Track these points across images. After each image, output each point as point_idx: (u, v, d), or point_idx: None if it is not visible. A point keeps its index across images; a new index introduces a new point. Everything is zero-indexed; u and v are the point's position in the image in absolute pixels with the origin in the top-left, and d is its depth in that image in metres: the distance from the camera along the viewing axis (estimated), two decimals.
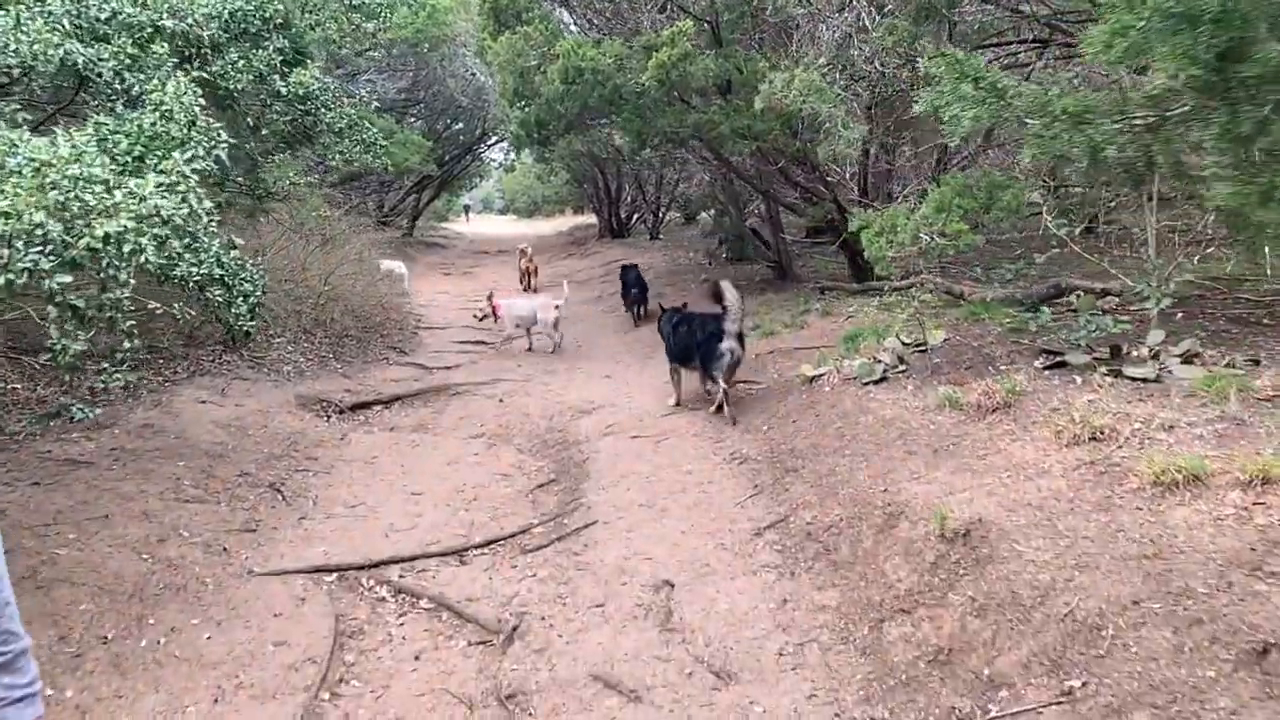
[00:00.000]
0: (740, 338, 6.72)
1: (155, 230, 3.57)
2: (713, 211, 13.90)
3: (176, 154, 3.66)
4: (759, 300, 10.36)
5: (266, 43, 6.72)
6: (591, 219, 27.89)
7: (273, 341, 8.80)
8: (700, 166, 13.22)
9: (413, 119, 23.64)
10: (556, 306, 10.34)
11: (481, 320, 10.46)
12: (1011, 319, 6.65)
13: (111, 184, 3.57)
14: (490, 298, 10.36)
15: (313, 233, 12.29)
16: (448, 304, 14.46)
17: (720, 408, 6.65)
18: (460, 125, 25.86)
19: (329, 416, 7.55)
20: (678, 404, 7.22)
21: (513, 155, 31.35)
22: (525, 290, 16.63)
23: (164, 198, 3.45)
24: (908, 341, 6.34)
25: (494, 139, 26.84)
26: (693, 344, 6.93)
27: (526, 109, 13.59)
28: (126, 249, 3.23)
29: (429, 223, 34.20)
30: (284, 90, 6.61)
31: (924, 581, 3.54)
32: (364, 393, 8.22)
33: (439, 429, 7.31)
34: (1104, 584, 3.09)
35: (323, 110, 7.10)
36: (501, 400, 7.92)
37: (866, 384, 5.85)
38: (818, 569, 4.02)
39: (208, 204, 3.68)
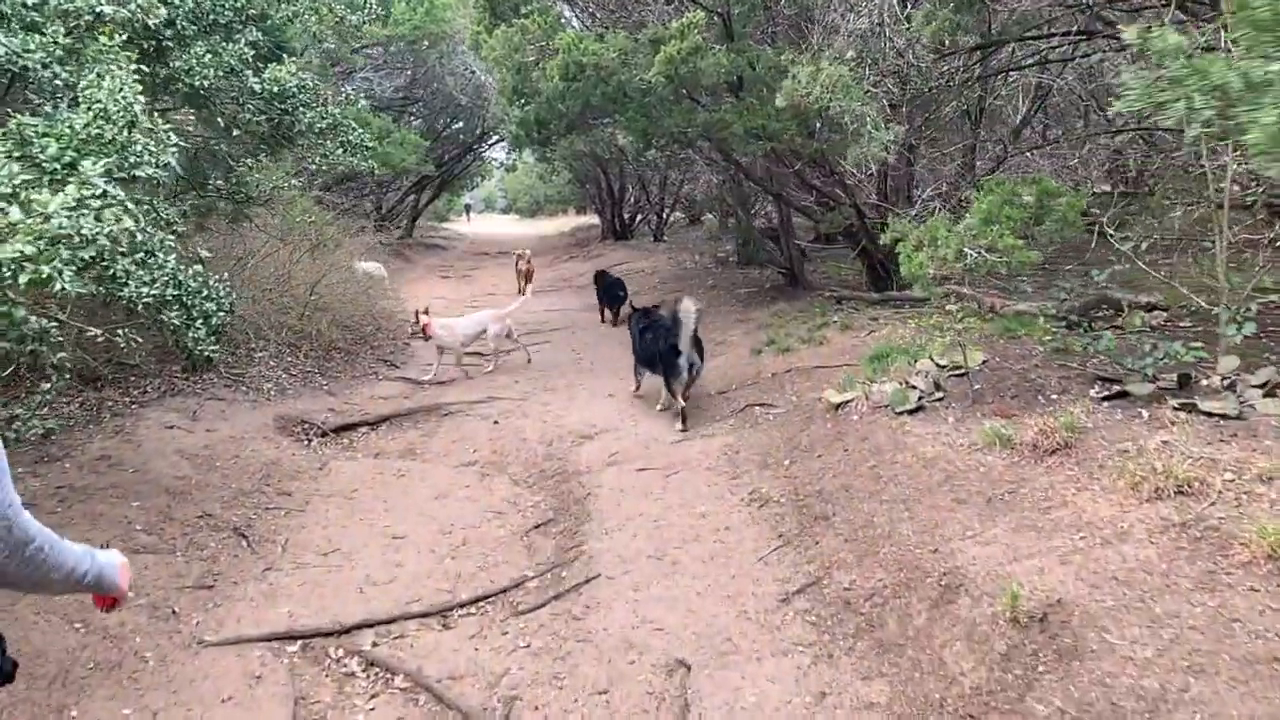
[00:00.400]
0: (698, 346, 7.01)
1: (75, 253, 2.97)
2: (716, 215, 13.21)
3: (87, 163, 3.04)
4: (770, 310, 9.74)
5: (239, 35, 6.11)
6: (594, 219, 27.25)
7: (254, 357, 8.21)
8: (707, 168, 12.60)
9: (412, 118, 23.05)
10: (505, 316, 9.63)
11: (412, 336, 9.67)
12: (1052, 336, 6.05)
13: (22, 198, 2.97)
14: (418, 314, 9.05)
15: (301, 238, 11.69)
16: (444, 310, 13.84)
17: (682, 418, 6.80)
18: (461, 124, 25.27)
19: (310, 441, 6.95)
20: (684, 428, 6.62)
21: (514, 155, 30.76)
22: (521, 294, 16.16)
23: (82, 216, 2.85)
24: (943, 364, 5.73)
25: (495, 138, 26.23)
26: (656, 352, 7.15)
27: (526, 108, 13.00)
28: (24, 279, 2.64)
29: (429, 223, 33.63)
30: (258, 87, 6.00)
31: (995, 678, 2.92)
32: (349, 413, 7.62)
33: (428, 455, 6.70)
34: (1231, 698, 2.48)
35: (301, 110, 6.48)
36: (496, 422, 7.31)
37: (900, 414, 5.23)
38: (860, 650, 3.40)
39: (129, 222, 3.07)
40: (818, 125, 8.14)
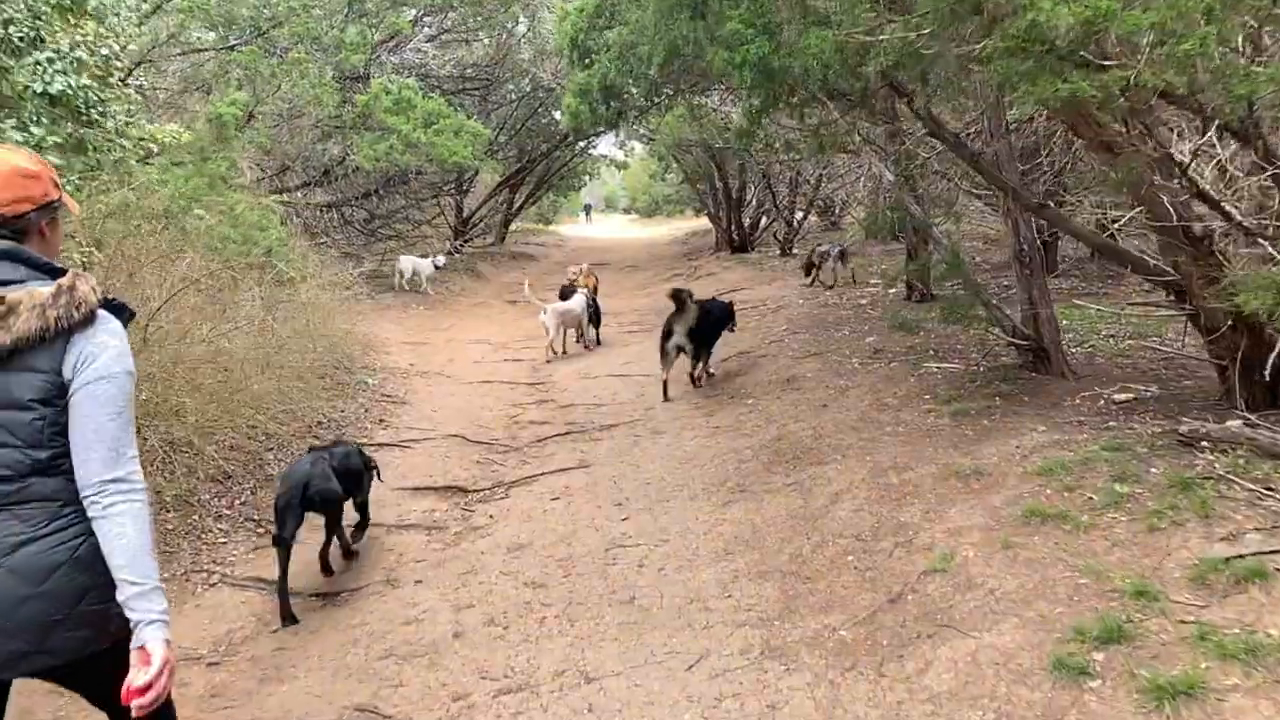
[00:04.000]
0: (690, 334, 7.17)
1: None
2: (880, 234, 7.82)
3: None
4: (1018, 448, 4.45)
5: None
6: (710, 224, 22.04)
7: None
8: (872, 154, 7.36)
9: (493, 105, 18.65)
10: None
11: None
12: None
13: None
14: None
15: (242, 269, 7.31)
16: (476, 365, 9.20)
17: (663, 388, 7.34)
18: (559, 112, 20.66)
19: None
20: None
21: (622, 147, 26.06)
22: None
23: None
24: None
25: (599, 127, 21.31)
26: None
27: (590, 69, 8.51)
28: None
29: (529, 226, 29.41)
30: None
31: None
32: None
33: None
34: None
35: None
36: None
37: None
38: None
39: None
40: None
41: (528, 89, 18.33)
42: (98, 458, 1.67)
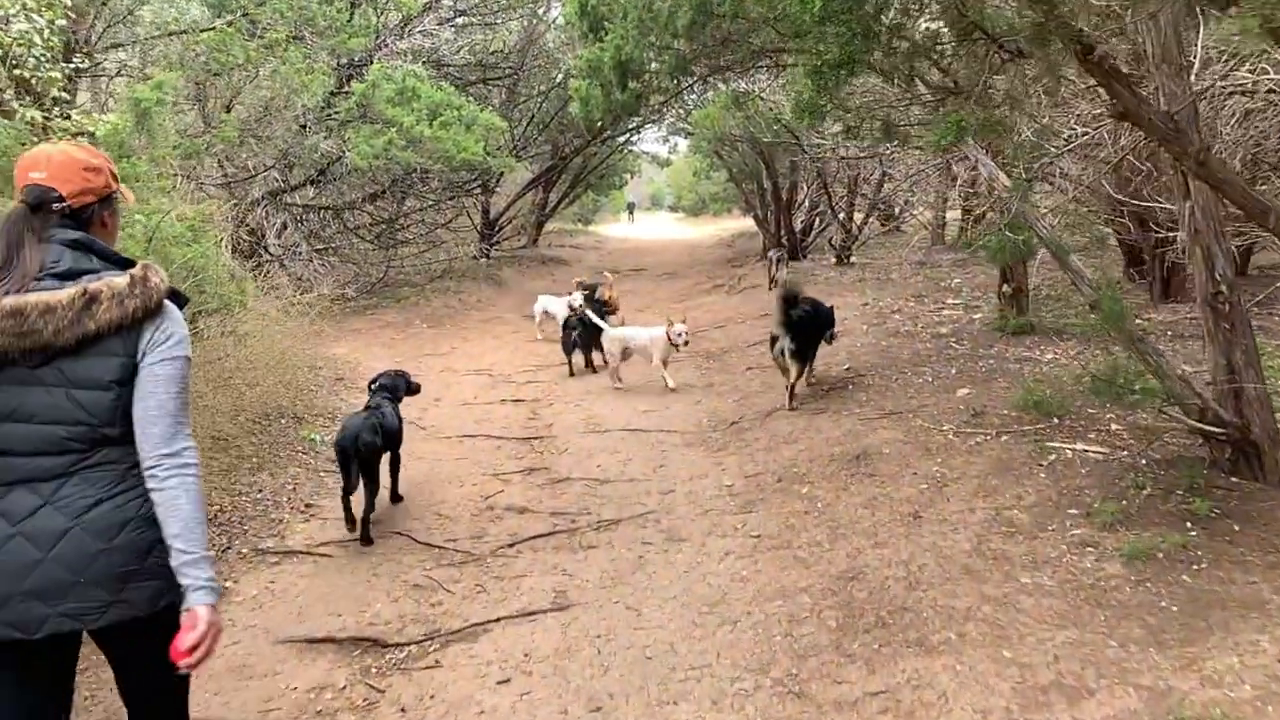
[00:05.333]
0: (791, 335, 6.37)
1: None
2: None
3: None
4: (1261, 656, 2.51)
5: None
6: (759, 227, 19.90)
7: None
8: (976, 148, 5.35)
9: (523, 96, 16.87)
10: None
11: None
12: None
13: None
14: None
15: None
16: (464, 409, 7.41)
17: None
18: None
19: None
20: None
21: (665, 142, 24.14)
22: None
23: None
24: None
25: (634, 121, 19.16)
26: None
27: (603, 44, 6.68)
28: None
29: (565, 227, 27.66)
30: None
31: None
32: None
33: None
34: None
35: None
36: None
37: None
38: None
39: None
40: None
41: (558, 79, 16.49)
42: (158, 432, 1.78)
